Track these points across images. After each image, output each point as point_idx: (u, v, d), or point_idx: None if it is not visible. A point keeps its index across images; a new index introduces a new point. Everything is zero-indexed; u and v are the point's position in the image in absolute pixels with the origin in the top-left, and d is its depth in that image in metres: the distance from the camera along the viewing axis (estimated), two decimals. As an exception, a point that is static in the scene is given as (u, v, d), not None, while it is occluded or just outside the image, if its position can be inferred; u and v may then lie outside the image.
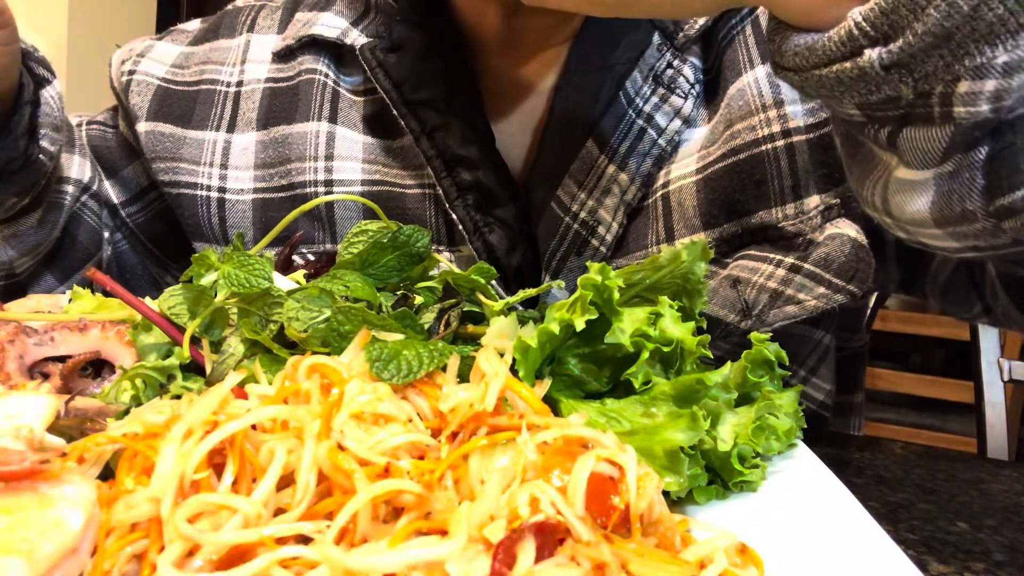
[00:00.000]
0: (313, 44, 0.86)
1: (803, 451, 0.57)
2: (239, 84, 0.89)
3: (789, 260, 0.71)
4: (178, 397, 0.50)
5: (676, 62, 0.77)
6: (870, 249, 0.71)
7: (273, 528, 0.36)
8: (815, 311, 0.71)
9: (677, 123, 0.77)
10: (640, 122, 0.76)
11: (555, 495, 0.37)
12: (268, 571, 0.34)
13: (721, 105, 0.76)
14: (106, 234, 0.93)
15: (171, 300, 0.57)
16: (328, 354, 0.49)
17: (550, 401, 0.51)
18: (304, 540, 0.37)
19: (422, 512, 0.39)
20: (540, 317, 0.58)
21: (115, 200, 0.94)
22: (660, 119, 0.77)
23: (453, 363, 0.48)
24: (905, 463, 0.75)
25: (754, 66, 0.75)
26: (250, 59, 0.90)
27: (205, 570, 0.35)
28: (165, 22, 3.46)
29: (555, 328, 0.50)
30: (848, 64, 0.44)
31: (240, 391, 0.46)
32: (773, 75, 0.73)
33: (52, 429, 0.42)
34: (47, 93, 0.77)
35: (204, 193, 0.86)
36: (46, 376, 0.57)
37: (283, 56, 0.88)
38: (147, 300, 0.59)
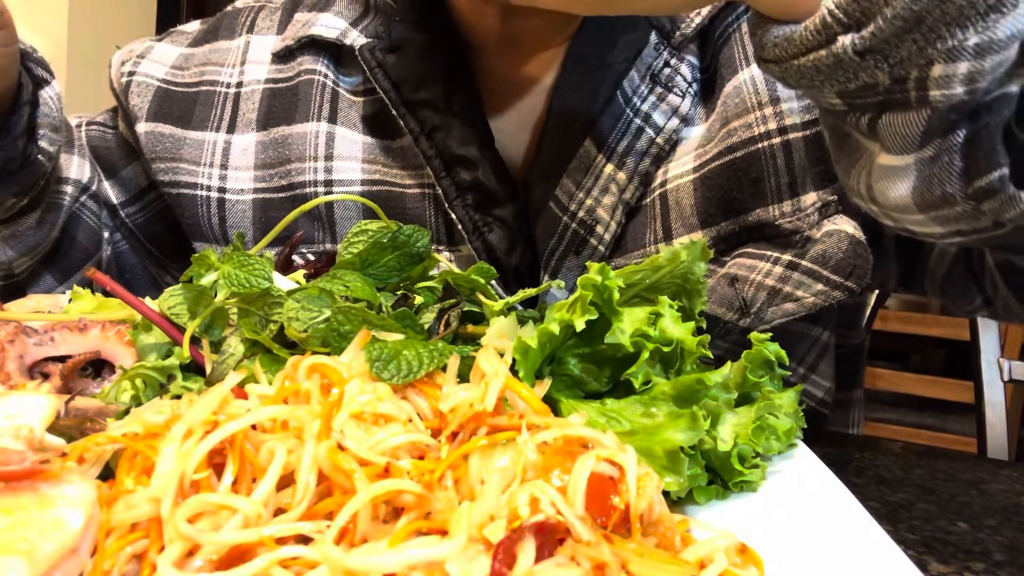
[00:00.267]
0: (312, 44, 0.87)
1: (803, 451, 0.57)
2: (239, 85, 0.89)
3: (787, 257, 0.72)
4: (178, 397, 0.50)
5: (673, 61, 0.77)
6: (869, 245, 0.71)
7: (273, 528, 0.36)
8: (813, 308, 0.72)
9: (675, 122, 0.77)
10: (638, 121, 0.77)
11: (555, 495, 0.37)
12: (268, 571, 0.34)
13: (717, 103, 0.76)
14: (106, 234, 0.93)
15: (171, 300, 0.57)
16: (328, 354, 0.49)
17: (550, 401, 0.51)
18: (304, 540, 0.37)
19: (422, 512, 0.39)
20: (540, 317, 0.58)
21: (114, 200, 0.94)
22: (658, 118, 0.77)
23: (453, 363, 0.48)
24: (905, 463, 0.75)
25: (750, 64, 0.75)
26: (250, 60, 0.90)
27: (205, 570, 0.35)
28: (165, 23, 3.46)
29: (555, 328, 0.50)
30: (823, 52, 0.45)
31: (240, 391, 0.46)
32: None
33: (52, 429, 0.42)
34: (46, 94, 0.77)
35: (204, 193, 0.86)
36: (46, 376, 0.57)
37: (282, 57, 0.88)
38: (147, 300, 0.59)
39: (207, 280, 0.59)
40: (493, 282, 0.70)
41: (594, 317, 0.51)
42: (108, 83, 0.93)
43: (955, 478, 0.72)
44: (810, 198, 0.72)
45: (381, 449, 0.41)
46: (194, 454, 0.38)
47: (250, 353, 0.55)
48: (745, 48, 0.76)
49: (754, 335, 0.56)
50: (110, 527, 0.37)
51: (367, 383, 0.45)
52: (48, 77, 0.78)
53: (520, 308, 0.62)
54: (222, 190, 0.86)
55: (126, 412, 0.49)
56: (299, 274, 0.64)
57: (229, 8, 0.96)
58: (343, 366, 0.46)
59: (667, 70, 0.77)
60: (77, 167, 0.88)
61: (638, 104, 0.77)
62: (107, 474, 0.42)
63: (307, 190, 0.84)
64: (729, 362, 0.55)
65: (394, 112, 0.79)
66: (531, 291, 0.62)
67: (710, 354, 0.55)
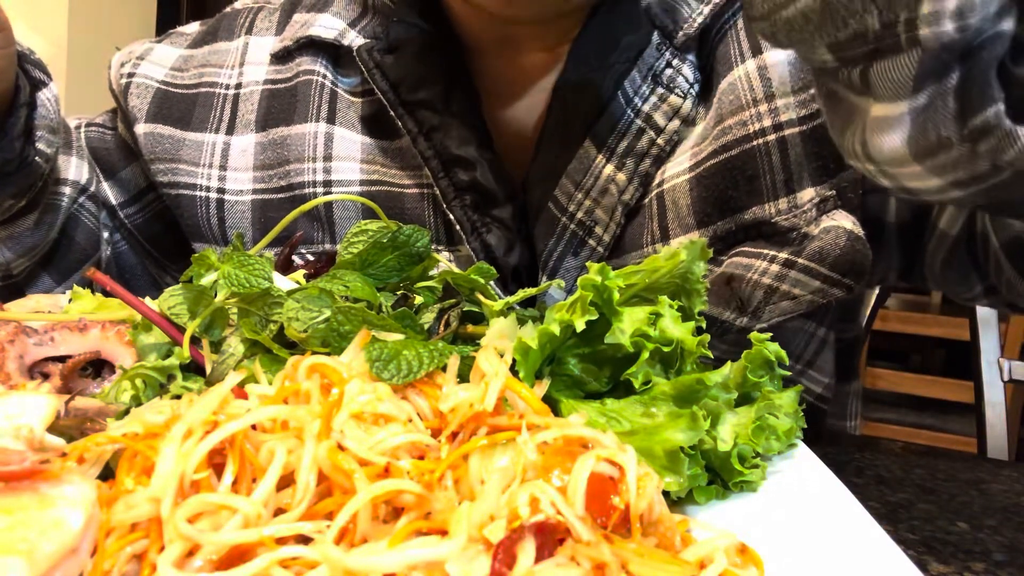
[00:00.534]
0: (311, 45, 0.86)
1: (803, 451, 0.57)
2: (238, 86, 0.89)
3: (784, 255, 0.71)
4: (178, 397, 0.50)
5: (675, 61, 0.77)
6: (869, 238, 0.71)
7: (273, 528, 0.36)
8: (811, 306, 0.71)
9: (676, 123, 0.76)
10: (639, 122, 0.76)
11: (555, 495, 0.37)
12: (268, 571, 0.34)
13: (713, 101, 0.76)
14: (105, 235, 0.93)
15: (171, 300, 0.57)
16: (328, 354, 0.49)
17: (550, 401, 0.51)
18: (304, 540, 0.37)
19: (422, 512, 0.39)
20: (539, 316, 0.58)
21: (113, 201, 0.94)
22: (659, 118, 0.76)
23: (453, 363, 0.48)
24: (905, 463, 0.75)
25: (744, 60, 0.74)
26: (248, 61, 0.90)
27: (205, 570, 0.35)
28: (165, 24, 3.46)
29: (555, 329, 0.50)
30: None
31: (240, 391, 0.46)
32: (764, 68, 0.73)
33: (52, 429, 0.42)
34: (43, 95, 0.77)
35: (203, 194, 0.86)
36: (46, 376, 0.57)
37: (281, 58, 0.88)
38: (147, 300, 0.59)
39: (207, 280, 0.59)
40: (492, 282, 0.70)
41: (594, 317, 0.51)
42: (107, 84, 0.93)
43: (955, 478, 0.72)
44: (807, 194, 0.72)
45: (381, 449, 0.41)
46: (194, 454, 0.38)
47: (250, 353, 0.55)
48: (740, 44, 0.76)
49: (754, 335, 0.56)
50: (110, 527, 0.37)
51: (367, 383, 0.45)
52: (46, 79, 0.78)
53: (519, 308, 0.62)
54: (221, 191, 0.86)
55: (126, 412, 0.49)
56: (299, 274, 0.64)
57: (228, 9, 0.96)
58: (343, 366, 0.46)
59: (669, 71, 0.77)
60: (75, 168, 0.88)
61: (639, 105, 0.76)
62: (107, 474, 0.42)
63: (306, 191, 0.84)
64: (729, 362, 0.55)
65: (392, 113, 0.79)
66: (531, 291, 0.62)
67: (710, 354, 0.55)
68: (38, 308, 0.64)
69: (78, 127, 0.95)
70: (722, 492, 0.51)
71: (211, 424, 0.40)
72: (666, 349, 0.53)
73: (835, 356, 0.88)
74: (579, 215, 0.77)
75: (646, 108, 0.76)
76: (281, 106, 0.86)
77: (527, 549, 0.35)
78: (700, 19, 0.77)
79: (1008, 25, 0.42)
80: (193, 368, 0.56)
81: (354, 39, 0.84)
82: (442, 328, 0.57)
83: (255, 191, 0.86)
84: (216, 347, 0.56)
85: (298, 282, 0.61)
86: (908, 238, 0.78)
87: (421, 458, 0.42)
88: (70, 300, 0.64)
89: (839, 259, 0.70)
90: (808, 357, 0.84)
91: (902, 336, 3.05)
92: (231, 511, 0.37)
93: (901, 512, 0.62)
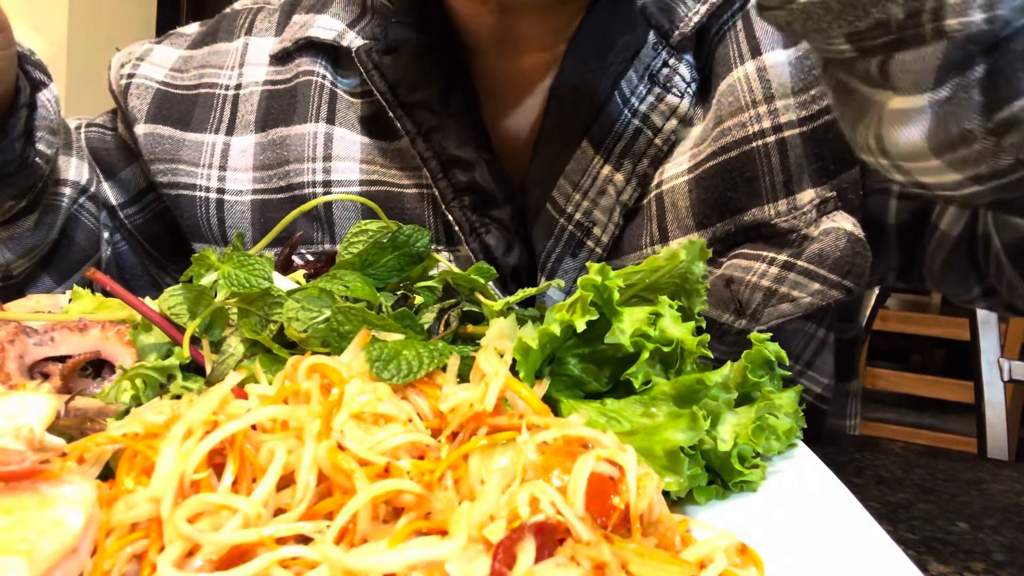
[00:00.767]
0: (310, 46, 0.87)
1: (803, 451, 0.57)
2: (237, 87, 0.89)
3: (783, 258, 0.71)
4: (178, 397, 0.50)
5: (672, 61, 0.77)
6: (869, 238, 0.71)
7: (273, 528, 0.36)
8: (810, 308, 0.71)
9: (673, 122, 0.76)
10: (636, 122, 0.76)
11: (555, 495, 0.37)
12: (268, 571, 0.34)
13: (712, 102, 0.76)
14: (105, 235, 0.93)
15: (171, 300, 0.57)
16: (328, 354, 0.49)
17: (550, 401, 0.51)
18: (304, 540, 0.37)
19: (422, 512, 0.39)
20: (539, 316, 0.58)
21: (113, 202, 0.94)
22: (656, 118, 0.76)
23: (453, 363, 0.48)
24: (905, 463, 0.75)
25: (744, 61, 0.74)
26: (248, 62, 0.90)
27: (205, 570, 0.35)
28: (165, 24, 3.46)
29: (556, 329, 0.50)
30: None
31: (240, 391, 0.46)
32: (763, 69, 0.73)
33: (52, 429, 0.42)
34: (43, 96, 0.77)
35: (203, 195, 0.86)
36: (46, 376, 0.57)
37: (280, 58, 0.88)
38: (147, 300, 0.59)
39: (207, 280, 0.59)
40: (491, 283, 0.70)
41: (594, 317, 0.51)
42: (107, 85, 0.93)
43: (955, 478, 0.72)
44: (807, 195, 0.71)
45: (381, 449, 0.41)
46: (194, 454, 0.38)
47: (250, 353, 0.55)
48: (740, 46, 0.75)
49: (754, 335, 0.56)
50: (110, 527, 0.37)
51: (367, 383, 0.45)
52: (46, 80, 0.78)
53: (519, 308, 0.62)
54: (221, 191, 0.86)
55: (126, 412, 0.49)
56: (299, 274, 0.64)
57: (228, 10, 0.96)
58: (343, 366, 0.46)
59: (665, 70, 0.77)
60: (75, 169, 0.88)
61: (636, 105, 0.76)
62: (107, 474, 0.42)
63: (306, 191, 0.84)
64: (729, 362, 0.55)
65: (391, 114, 0.79)
66: (530, 291, 0.62)
67: (710, 354, 0.55)
68: (38, 308, 0.64)
69: (78, 128, 0.95)
70: (722, 492, 0.51)
71: (211, 424, 0.40)
72: (666, 349, 0.53)
73: (835, 356, 0.88)
74: (577, 216, 0.77)
75: (643, 108, 0.76)
76: (281, 107, 0.86)
77: (527, 549, 0.35)
78: (696, 19, 0.77)
79: None
80: (193, 368, 0.56)
81: (353, 40, 0.84)
82: (442, 328, 0.57)
83: (255, 191, 0.86)
84: (216, 347, 0.56)
85: (298, 282, 0.61)
86: (908, 239, 0.78)
87: (421, 458, 0.42)
88: (70, 300, 0.64)
89: (839, 261, 0.70)
90: (807, 358, 0.84)
91: (902, 336, 3.05)
92: (231, 511, 0.37)
93: (901, 512, 0.62)
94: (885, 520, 0.59)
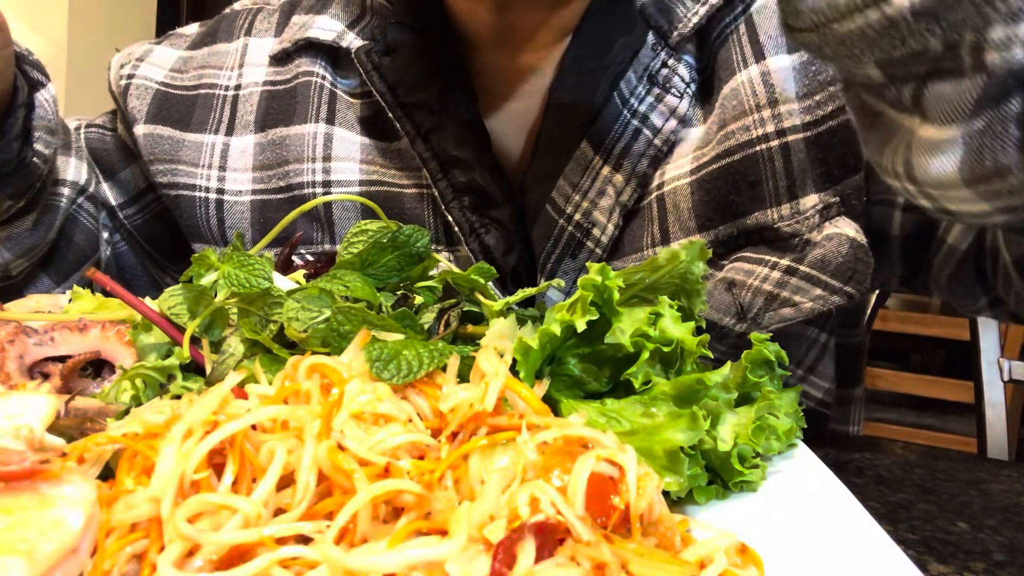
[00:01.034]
0: (310, 47, 0.87)
1: (803, 451, 0.57)
2: (237, 88, 0.89)
3: (785, 262, 0.71)
4: (178, 397, 0.50)
5: (671, 61, 0.77)
6: (871, 246, 0.71)
7: (273, 528, 0.36)
8: (811, 313, 0.71)
9: (673, 123, 0.76)
10: (635, 122, 0.76)
11: (555, 495, 0.37)
12: (268, 571, 0.34)
13: (715, 106, 0.76)
14: (105, 235, 0.93)
15: (171, 300, 0.57)
16: (328, 354, 0.49)
17: (550, 401, 0.51)
18: (304, 540, 0.37)
19: (422, 512, 0.39)
20: (539, 316, 0.58)
21: (113, 202, 0.94)
22: (655, 119, 0.76)
23: (453, 363, 0.48)
24: (905, 463, 0.75)
25: (748, 65, 0.74)
26: (248, 63, 0.90)
27: (205, 570, 0.35)
28: (165, 24, 3.47)
29: (556, 329, 0.50)
30: (875, 14, 0.41)
31: (240, 391, 0.46)
32: (767, 73, 0.73)
33: (52, 429, 0.42)
34: (42, 96, 0.77)
35: (202, 195, 0.86)
36: (46, 376, 0.57)
37: (280, 59, 0.88)
38: (147, 300, 0.59)
39: (207, 280, 0.59)
40: (490, 283, 0.70)
41: (594, 317, 0.51)
42: (107, 85, 0.93)
43: (955, 478, 0.72)
44: (811, 200, 0.71)
45: (381, 449, 0.41)
46: (194, 454, 0.38)
47: (250, 353, 0.55)
48: (743, 49, 0.75)
49: (754, 335, 0.56)
50: (110, 527, 0.37)
51: (367, 383, 0.45)
52: (44, 80, 0.78)
53: (519, 308, 0.62)
54: (220, 191, 0.86)
55: (126, 412, 0.49)
56: (299, 274, 0.64)
57: (227, 10, 0.97)
58: (343, 366, 0.46)
59: (664, 71, 0.77)
60: (74, 169, 0.88)
61: (635, 105, 0.76)
62: (107, 474, 0.42)
63: (305, 191, 0.84)
64: (729, 362, 0.55)
65: (390, 114, 0.79)
66: (530, 291, 0.62)
67: (710, 354, 0.55)
68: (38, 308, 0.64)
69: (78, 128, 0.95)
70: (722, 492, 0.51)
71: (211, 424, 0.40)
72: (666, 349, 0.53)
73: (838, 361, 0.88)
74: (576, 217, 0.77)
75: (642, 109, 0.76)
76: (280, 107, 0.86)
77: (527, 549, 0.35)
78: (695, 19, 0.77)
79: None
80: (193, 368, 0.56)
81: (352, 41, 0.84)
82: (442, 328, 0.57)
83: (254, 191, 0.86)
84: (216, 347, 0.56)
85: (298, 282, 0.61)
86: (912, 251, 0.77)
87: (421, 458, 0.42)
88: (70, 300, 0.64)
89: (841, 267, 0.70)
90: (809, 363, 0.84)
91: (902, 336, 3.05)
92: (231, 511, 0.37)
93: (901, 512, 0.62)
94: (885, 520, 0.59)
